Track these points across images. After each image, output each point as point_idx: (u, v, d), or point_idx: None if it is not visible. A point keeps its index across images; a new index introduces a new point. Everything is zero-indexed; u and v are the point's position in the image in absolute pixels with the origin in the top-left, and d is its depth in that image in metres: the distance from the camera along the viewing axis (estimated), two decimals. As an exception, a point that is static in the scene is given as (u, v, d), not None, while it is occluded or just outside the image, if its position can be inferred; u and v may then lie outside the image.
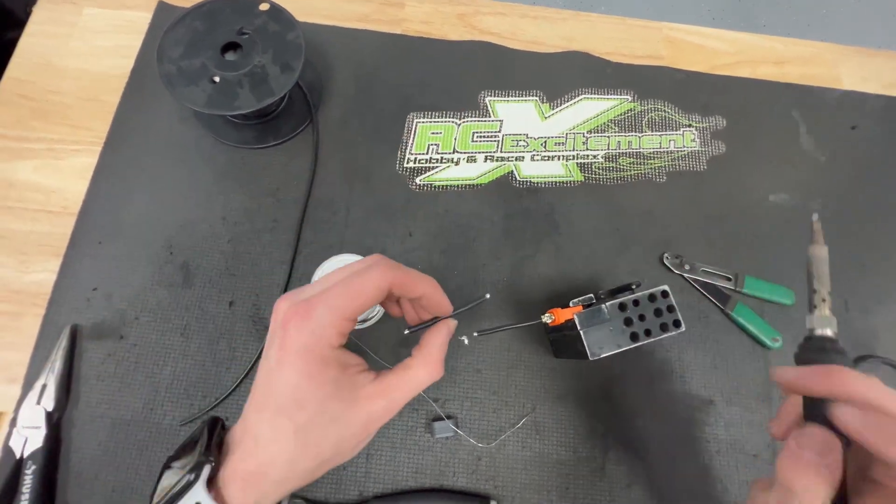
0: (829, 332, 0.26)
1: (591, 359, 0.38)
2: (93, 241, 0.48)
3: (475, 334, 0.36)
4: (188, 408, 0.44)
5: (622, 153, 0.55)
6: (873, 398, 0.21)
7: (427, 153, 0.53)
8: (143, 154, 0.52)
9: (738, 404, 0.47)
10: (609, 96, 0.57)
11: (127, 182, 0.51)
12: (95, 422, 0.43)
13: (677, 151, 0.55)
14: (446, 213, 0.51)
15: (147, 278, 0.48)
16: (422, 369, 0.26)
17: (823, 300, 0.27)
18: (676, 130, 0.56)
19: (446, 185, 0.52)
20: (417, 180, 0.52)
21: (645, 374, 0.47)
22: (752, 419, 0.47)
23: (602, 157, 0.54)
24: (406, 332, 0.29)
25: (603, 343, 0.38)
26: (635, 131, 0.56)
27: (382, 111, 0.55)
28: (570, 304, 0.39)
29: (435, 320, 0.29)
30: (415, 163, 0.53)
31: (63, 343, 0.44)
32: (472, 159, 0.54)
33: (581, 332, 0.38)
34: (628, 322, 0.38)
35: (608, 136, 0.55)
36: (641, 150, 0.55)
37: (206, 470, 0.23)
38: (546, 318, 0.38)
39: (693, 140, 0.56)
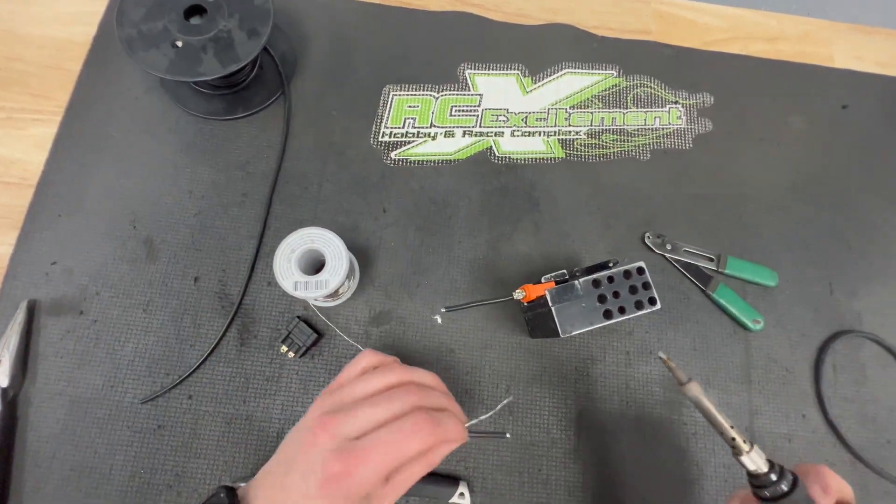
0: (763, 468, 0.27)
1: (562, 336, 0.36)
2: (52, 214, 0.46)
3: (443, 310, 0.34)
4: (150, 385, 0.43)
5: (606, 130, 0.53)
6: None
7: (403, 127, 0.52)
8: (106, 124, 0.50)
9: (717, 386, 0.46)
10: (594, 71, 0.55)
11: (89, 153, 0.49)
12: (53, 399, 0.42)
13: (662, 129, 0.54)
14: (422, 190, 0.50)
15: (109, 253, 0.46)
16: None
17: (733, 439, 0.27)
18: (662, 107, 0.54)
19: (422, 161, 0.51)
20: (393, 155, 0.51)
21: (623, 355, 0.46)
22: (730, 401, 0.46)
23: (585, 134, 0.53)
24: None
25: (575, 320, 0.37)
26: (620, 107, 0.54)
27: (358, 83, 0.53)
28: (542, 280, 0.38)
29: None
30: (390, 137, 0.51)
31: (20, 318, 0.43)
32: (449, 134, 0.52)
33: (552, 309, 0.36)
34: (602, 299, 0.37)
35: (592, 112, 0.54)
36: (626, 126, 0.53)
37: None
38: (518, 294, 0.36)
39: (679, 117, 0.54)
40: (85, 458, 0.41)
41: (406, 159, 0.50)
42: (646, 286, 0.38)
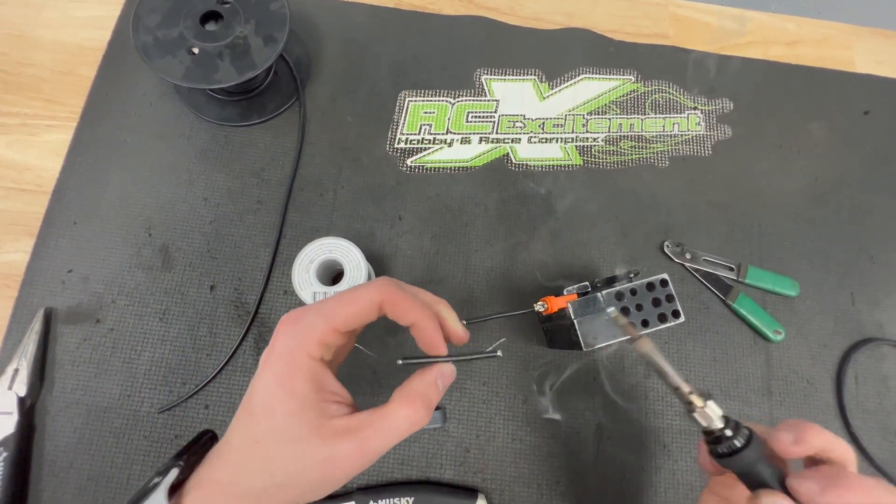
0: (718, 423, 0.26)
1: (584, 349, 0.36)
2: (68, 221, 0.46)
3: (463, 322, 0.34)
4: (167, 395, 0.43)
5: (623, 136, 0.52)
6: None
7: (419, 133, 0.51)
8: (120, 131, 0.49)
9: (737, 398, 0.45)
10: (611, 76, 0.54)
11: (104, 160, 0.48)
12: (70, 408, 0.42)
13: (681, 135, 0.53)
14: (438, 197, 0.49)
15: (125, 260, 0.46)
16: (401, 410, 0.22)
17: (690, 392, 0.26)
18: (681, 113, 0.54)
19: (438, 168, 0.50)
20: (408, 162, 0.50)
21: (642, 366, 0.46)
22: (750, 413, 0.45)
23: (602, 140, 0.52)
24: (399, 362, 0.26)
25: (598, 333, 0.36)
26: (638, 113, 0.53)
27: (373, 89, 0.52)
28: (565, 293, 0.37)
29: (434, 359, 0.25)
30: (406, 143, 0.51)
31: (36, 326, 0.42)
32: (466, 140, 0.51)
33: (575, 322, 0.36)
34: (625, 312, 0.37)
35: (609, 119, 0.53)
36: (644, 133, 0.53)
37: (173, 474, 0.22)
38: (539, 307, 0.36)
39: (698, 124, 0.53)
40: (102, 468, 0.41)
41: (422, 166, 0.50)
42: (669, 298, 0.37)
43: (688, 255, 0.48)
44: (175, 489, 0.22)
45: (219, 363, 0.43)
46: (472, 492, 0.41)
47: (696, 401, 0.26)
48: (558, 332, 0.42)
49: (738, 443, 0.25)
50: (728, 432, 0.25)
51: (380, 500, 0.39)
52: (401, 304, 0.24)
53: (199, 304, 0.45)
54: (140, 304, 0.45)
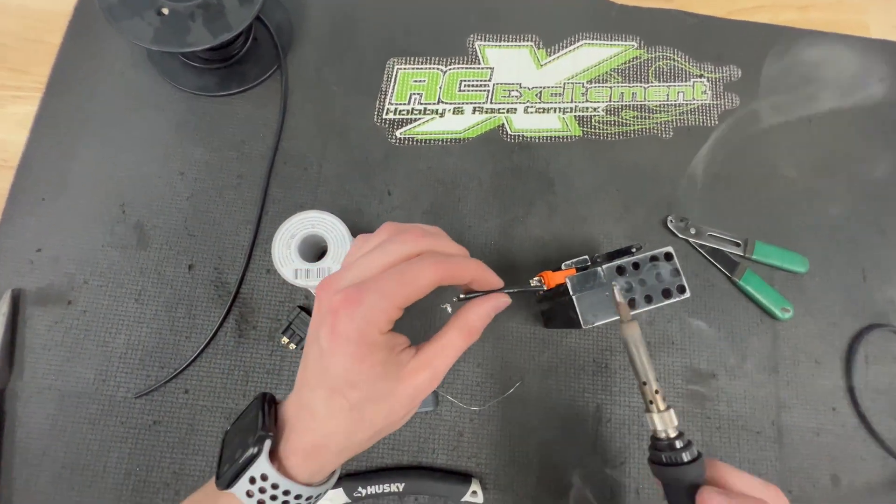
0: (671, 433, 0.25)
1: (583, 327, 0.34)
2: (35, 198, 0.44)
3: (455, 300, 0.32)
4: (144, 379, 0.41)
5: (625, 106, 0.50)
6: None
7: (409, 103, 0.48)
8: (90, 102, 0.46)
9: (742, 379, 0.44)
10: (612, 42, 0.51)
11: (73, 133, 0.45)
12: (42, 394, 0.40)
13: (686, 105, 0.50)
14: (429, 170, 0.47)
15: (97, 239, 0.43)
16: (458, 336, 0.26)
17: (657, 392, 0.26)
18: (686, 81, 0.51)
19: (430, 139, 0.47)
20: (398, 133, 0.47)
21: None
22: (756, 395, 0.43)
23: (603, 110, 0.49)
24: (454, 299, 0.28)
25: (598, 310, 0.34)
26: (640, 82, 0.50)
27: (360, 56, 0.49)
28: (563, 267, 0.35)
29: (486, 292, 0.28)
30: (395, 114, 0.48)
31: (4, 308, 0.40)
32: (458, 111, 0.48)
33: (573, 298, 0.34)
34: (627, 287, 0.34)
35: (610, 87, 0.50)
36: (647, 102, 0.50)
37: (268, 444, 0.24)
38: (535, 283, 0.34)
39: (704, 92, 0.50)
40: (77, 456, 0.39)
41: (412, 138, 0.47)
42: (674, 273, 0.35)
43: (692, 231, 0.46)
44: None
45: (198, 345, 0.41)
46: (466, 477, 0.39)
47: (660, 403, 0.26)
48: (556, 311, 0.39)
49: (685, 457, 0.25)
50: (678, 444, 0.25)
51: (368, 487, 0.37)
52: (458, 274, 0.26)
53: (176, 284, 0.43)
54: (114, 285, 0.42)
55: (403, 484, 0.38)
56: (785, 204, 0.48)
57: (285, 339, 0.41)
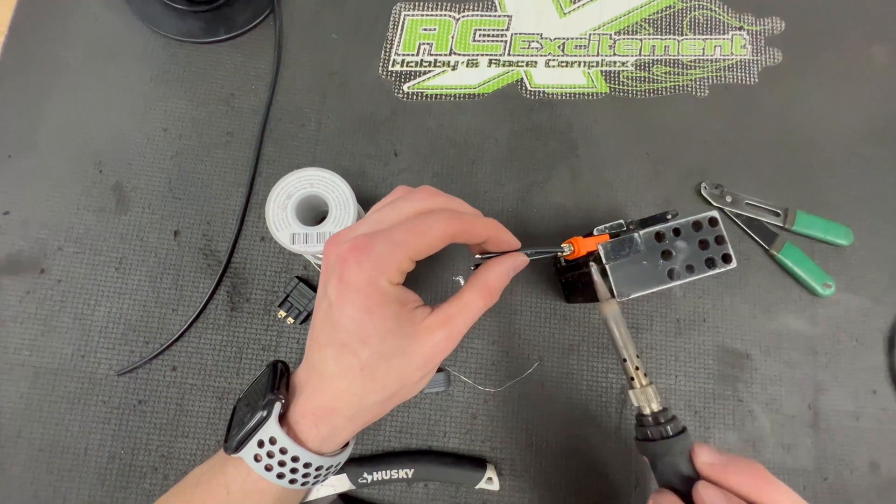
0: (654, 407, 0.25)
1: (617, 299, 0.30)
2: (1, 155, 0.39)
3: (472, 267, 0.28)
4: (127, 355, 0.37)
5: (657, 60, 0.45)
6: None
7: (417, 54, 0.43)
8: (59, 48, 0.41)
9: (778, 359, 0.40)
10: (644, -11, 0.46)
11: (40, 83, 0.41)
12: (15, 370, 0.36)
13: (724, 60, 0.45)
14: (440, 129, 0.42)
15: (71, 201, 0.39)
16: (478, 296, 0.25)
17: (637, 368, 0.26)
18: (724, 34, 0.46)
19: (440, 95, 0.43)
20: (405, 87, 0.43)
21: (672, 324, 0.40)
22: (793, 376, 0.40)
23: (632, 65, 0.44)
24: (472, 267, 0.27)
25: (633, 281, 0.30)
26: (674, 34, 0.45)
27: (363, 0, 0.44)
28: (595, 232, 0.31)
29: (501, 253, 0.27)
30: (402, 66, 0.43)
31: (-32, 277, 0.36)
32: (472, 63, 0.43)
33: (607, 267, 0.30)
34: (666, 255, 0.31)
35: (640, 39, 0.45)
36: (680, 57, 0.45)
37: (277, 407, 0.23)
38: (566, 249, 0.30)
39: (743, 47, 0.46)
40: (56, 437, 0.36)
41: (421, 93, 0.42)
42: (719, 240, 0.31)
43: (728, 199, 0.42)
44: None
45: (186, 319, 0.37)
46: (480, 462, 0.36)
47: (641, 379, 0.26)
48: (581, 283, 0.36)
49: (669, 430, 0.24)
50: (661, 419, 0.25)
51: (375, 473, 0.34)
52: (471, 231, 0.24)
53: (161, 252, 0.38)
54: (92, 252, 0.38)
55: (412, 470, 0.35)
56: (828, 171, 0.44)
57: (282, 313, 0.37)
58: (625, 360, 0.27)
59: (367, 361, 0.22)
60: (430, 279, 0.39)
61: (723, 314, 0.41)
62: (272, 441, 0.22)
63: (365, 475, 0.34)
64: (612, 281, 0.30)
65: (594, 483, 0.37)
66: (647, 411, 0.25)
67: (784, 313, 0.41)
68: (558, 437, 0.38)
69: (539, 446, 0.37)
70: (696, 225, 0.31)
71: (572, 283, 0.38)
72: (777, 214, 0.42)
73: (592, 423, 0.38)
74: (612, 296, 0.27)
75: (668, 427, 0.24)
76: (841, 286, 0.41)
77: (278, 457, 0.23)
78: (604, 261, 0.30)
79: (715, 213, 0.31)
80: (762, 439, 0.39)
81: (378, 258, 0.22)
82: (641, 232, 0.31)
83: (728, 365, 0.40)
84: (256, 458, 0.23)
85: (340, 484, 0.34)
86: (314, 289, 0.38)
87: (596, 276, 0.28)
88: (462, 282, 0.39)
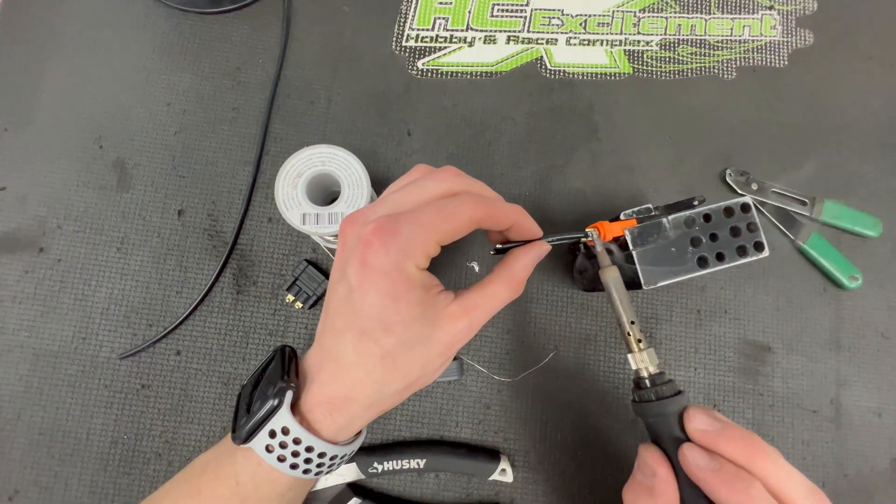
0: (652, 370, 0.25)
1: (644, 288, 0.29)
2: (-3, 128, 0.37)
3: (492, 252, 0.27)
4: (130, 338, 0.36)
5: (683, 40, 0.43)
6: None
7: (433, 29, 0.41)
8: (57, 17, 0.39)
9: (800, 353, 0.39)
10: (671, -36, 0.44)
11: (38, 53, 0.39)
12: (13, 352, 0.35)
13: (752, 41, 0.43)
14: (455, 108, 0.40)
15: (71, 177, 0.37)
16: (504, 287, 0.24)
17: (629, 334, 0.26)
18: (753, 14, 0.44)
19: (456, 72, 0.41)
20: (419, 64, 0.41)
21: (692, 314, 0.39)
22: (815, 370, 0.39)
23: (657, 45, 0.42)
24: (492, 252, 0.26)
25: (661, 269, 0.29)
26: (701, 12, 0.43)
27: (375, -28, 0.42)
28: (621, 217, 0.30)
29: (524, 242, 0.26)
30: (416, 41, 0.41)
31: (-36, 254, 0.35)
32: (490, 39, 0.41)
33: (633, 253, 0.29)
34: (696, 242, 0.29)
35: (666, 18, 0.43)
36: (707, 37, 0.43)
37: (289, 395, 0.22)
38: (591, 234, 0.28)
39: (773, 27, 0.44)
40: (56, 421, 0.35)
41: (436, 70, 0.41)
42: (751, 227, 0.30)
43: (754, 186, 0.40)
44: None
45: (191, 302, 0.36)
46: (494, 453, 0.35)
47: (641, 343, 0.26)
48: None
49: (667, 390, 0.25)
50: (657, 381, 0.25)
51: (385, 462, 0.33)
52: (497, 216, 0.23)
53: (164, 232, 0.37)
54: (92, 231, 0.37)
55: (424, 460, 0.34)
56: (859, 159, 0.42)
57: (290, 297, 0.36)
58: (632, 323, 0.26)
59: (389, 350, 0.21)
60: (443, 265, 0.38)
61: (745, 305, 0.39)
62: (285, 431, 0.21)
63: (375, 465, 0.33)
64: (638, 268, 0.29)
65: (609, 476, 0.36)
66: (644, 374, 0.25)
67: (808, 306, 0.40)
68: (573, 428, 0.37)
69: (554, 438, 0.36)
70: (728, 211, 0.30)
71: (593, 271, 0.36)
72: (804, 203, 0.40)
73: (609, 414, 0.37)
74: (605, 265, 0.27)
75: (663, 388, 0.25)
76: (868, 279, 0.40)
77: (291, 447, 0.22)
78: (630, 247, 0.29)
79: (748, 199, 0.30)
80: (781, 434, 0.38)
81: (405, 242, 0.21)
82: (670, 217, 0.29)
83: (749, 358, 0.39)
84: (268, 449, 0.22)
85: (349, 473, 0.33)
86: (324, 273, 0.36)
87: (598, 247, 0.28)
88: (476, 268, 0.38)
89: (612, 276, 0.27)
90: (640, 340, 0.26)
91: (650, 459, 0.23)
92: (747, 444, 0.22)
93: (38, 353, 0.35)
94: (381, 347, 0.21)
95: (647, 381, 0.25)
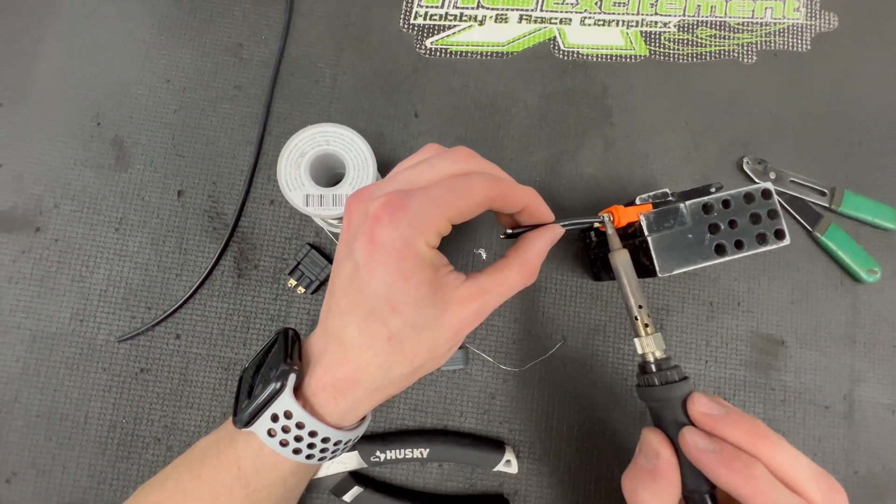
0: (659, 354, 0.25)
1: (660, 276, 0.28)
2: (-9, 103, 0.36)
3: (501, 236, 0.26)
4: (128, 321, 0.35)
5: (702, 22, 0.41)
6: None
7: (442, 6, 0.40)
8: (53, -14, 0.38)
9: (814, 347, 0.38)
10: (691, -58, 0.42)
11: (34, 27, 0.37)
12: (10, 333, 0.34)
13: (774, 24, 0.42)
14: (464, 89, 0.39)
15: (68, 155, 0.36)
16: (517, 273, 0.23)
17: (637, 318, 0.26)
18: (776, -5, 0.42)
19: (466, 52, 0.39)
20: (428, 43, 0.39)
21: (705, 306, 0.38)
22: (828, 366, 0.38)
23: (674, 26, 0.41)
24: (502, 236, 0.26)
25: (677, 256, 0.28)
26: (721, -7, 0.42)
27: (383, -55, 0.40)
28: (637, 202, 0.29)
29: (535, 226, 0.25)
30: (425, 19, 0.39)
31: (-41, 232, 0.34)
32: (502, 18, 0.40)
33: (648, 239, 0.27)
34: (714, 229, 0.28)
35: (685, -2, 0.41)
36: (727, 19, 0.41)
37: (292, 378, 0.21)
38: (605, 218, 0.27)
39: (797, 10, 0.42)
40: (54, 404, 0.34)
41: (445, 49, 0.39)
42: (772, 215, 0.29)
43: (771, 175, 0.39)
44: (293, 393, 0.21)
45: (191, 285, 0.35)
46: (498, 444, 0.34)
47: (649, 328, 0.25)
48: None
49: (675, 375, 0.24)
50: (663, 366, 0.25)
51: (388, 451, 0.33)
52: (510, 197, 0.23)
53: (163, 213, 0.36)
54: (90, 210, 0.36)
55: (427, 450, 0.33)
56: (882, 149, 0.41)
57: (293, 282, 0.35)
58: (640, 307, 0.26)
59: (396, 331, 0.20)
60: (450, 250, 0.37)
61: (759, 298, 0.38)
62: (287, 415, 0.21)
63: (378, 453, 0.33)
64: (653, 255, 0.28)
65: (616, 469, 0.35)
66: (650, 358, 0.25)
67: (824, 299, 0.39)
68: (580, 420, 0.36)
69: (560, 429, 0.36)
70: (748, 197, 0.29)
71: (604, 258, 0.35)
72: (823, 194, 0.39)
73: (617, 407, 0.36)
74: (615, 248, 0.26)
75: (668, 373, 0.24)
76: (887, 273, 0.39)
77: (294, 431, 0.21)
78: (645, 232, 0.28)
79: (769, 185, 0.29)
80: (792, 429, 0.37)
81: (416, 217, 0.20)
82: (688, 203, 0.28)
83: (761, 351, 0.38)
84: (270, 433, 0.21)
85: (351, 461, 0.33)
86: (327, 257, 0.35)
87: (609, 228, 0.27)
88: (484, 255, 0.36)
89: (621, 259, 0.26)
90: (647, 325, 0.25)
91: (654, 442, 0.23)
92: (750, 428, 0.21)
93: (36, 334, 0.34)
94: (389, 329, 0.20)
95: (652, 366, 0.25)
